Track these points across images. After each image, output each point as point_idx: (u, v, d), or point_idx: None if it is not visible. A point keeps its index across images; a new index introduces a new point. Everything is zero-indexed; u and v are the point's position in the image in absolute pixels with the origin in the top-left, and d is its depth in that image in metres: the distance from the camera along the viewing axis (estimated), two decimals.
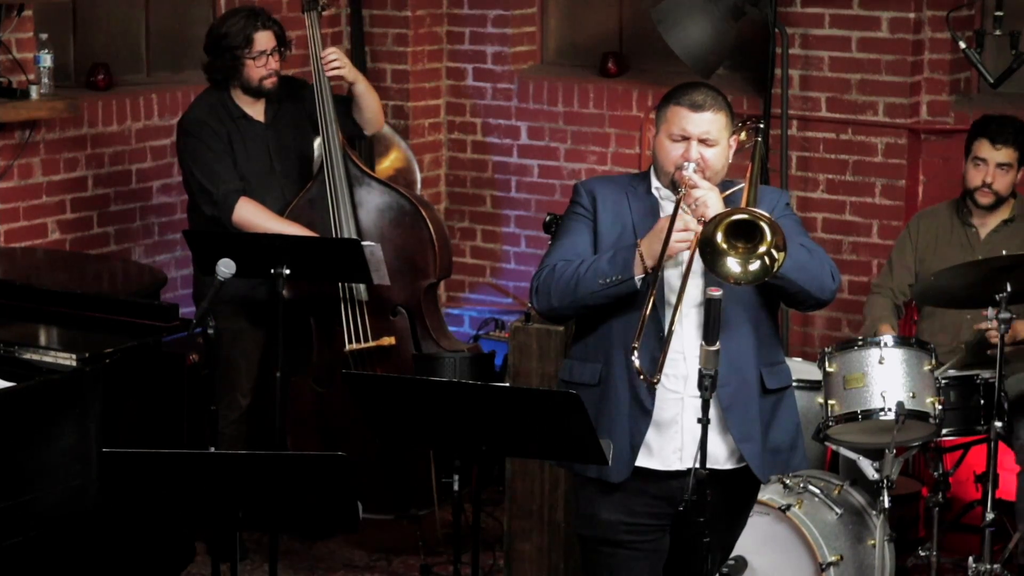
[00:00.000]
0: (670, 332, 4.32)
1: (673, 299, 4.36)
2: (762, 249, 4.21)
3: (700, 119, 4.40)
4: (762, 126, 4.72)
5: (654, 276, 4.31)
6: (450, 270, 6.67)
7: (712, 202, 4.30)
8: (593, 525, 4.55)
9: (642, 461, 4.44)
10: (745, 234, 4.22)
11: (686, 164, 4.39)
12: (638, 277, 4.34)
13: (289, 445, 6.38)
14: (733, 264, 4.22)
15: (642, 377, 4.30)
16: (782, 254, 4.20)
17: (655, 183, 4.52)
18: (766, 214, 4.21)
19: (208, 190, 6.20)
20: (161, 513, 4.48)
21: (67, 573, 4.85)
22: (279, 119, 6.40)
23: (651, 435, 4.43)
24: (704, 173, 4.39)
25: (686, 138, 4.41)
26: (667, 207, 4.46)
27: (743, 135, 4.67)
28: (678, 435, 4.44)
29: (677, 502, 4.46)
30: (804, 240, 4.48)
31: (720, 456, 4.45)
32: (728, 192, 4.41)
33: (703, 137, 4.40)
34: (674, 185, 4.43)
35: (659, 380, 4.32)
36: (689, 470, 4.40)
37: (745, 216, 4.20)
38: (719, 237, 4.20)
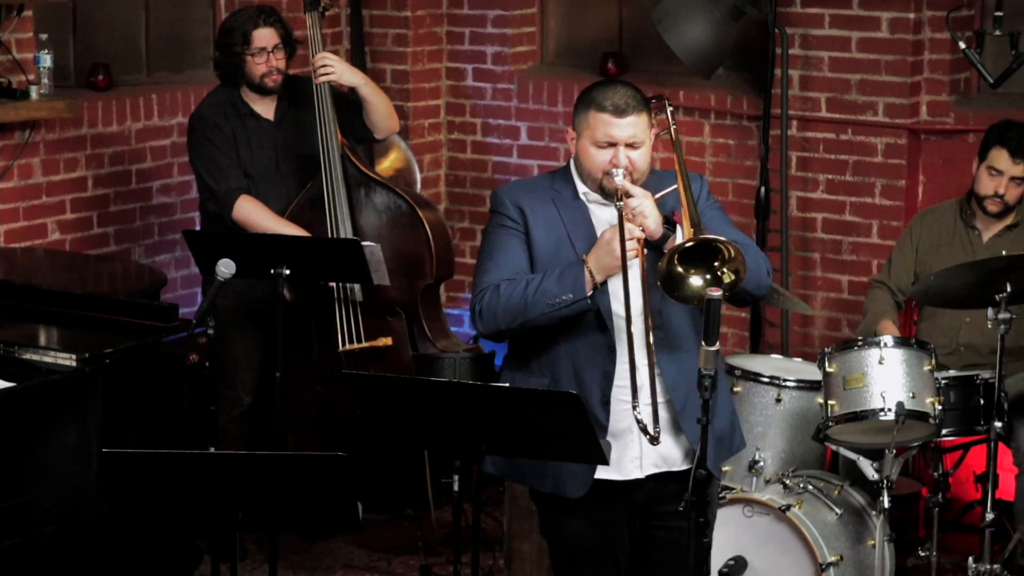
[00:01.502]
0: (650, 352, 4.29)
1: (622, 312, 4.31)
2: (717, 264, 4.17)
3: (624, 123, 4.31)
4: (671, 107, 4.61)
5: (626, 299, 4.27)
6: (451, 272, 6.66)
7: (648, 210, 4.26)
8: (559, 535, 4.54)
9: (601, 473, 4.40)
10: (701, 254, 4.16)
11: (615, 171, 4.31)
12: (589, 294, 4.29)
13: (291, 444, 6.38)
14: (696, 281, 4.18)
15: (647, 436, 4.29)
16: (737, 273, 4.17)
17: (581, 187, 4.44)
18: (721, 237, 4.16)
19: (211, 187, 6.23)
20: (161, 513, 4.48)
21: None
22: (287, 118, 6.41)
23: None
24: (632, 176, 4.32)
25: (612, 144, 4.33)
26: (597, 212, 4.41)
27: (654, 116, 4.55)
28: (635, 443, 4.41)
29: (638, 506, 4.47)
30: (735, 234, 4.41)
31: (676, 458, 4.44)
32: (660, 195, 4.34)
33: (629, 141, 4.32)
34: (603, 190, 4.36)
35: (659, 431, 4.31)
36: (648, 477, 4.42)
37: (693, 243, 4.16)
38: (676, 266, 4.16)
